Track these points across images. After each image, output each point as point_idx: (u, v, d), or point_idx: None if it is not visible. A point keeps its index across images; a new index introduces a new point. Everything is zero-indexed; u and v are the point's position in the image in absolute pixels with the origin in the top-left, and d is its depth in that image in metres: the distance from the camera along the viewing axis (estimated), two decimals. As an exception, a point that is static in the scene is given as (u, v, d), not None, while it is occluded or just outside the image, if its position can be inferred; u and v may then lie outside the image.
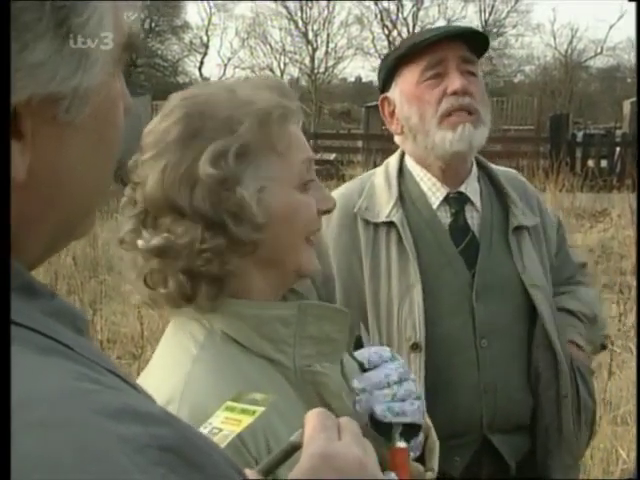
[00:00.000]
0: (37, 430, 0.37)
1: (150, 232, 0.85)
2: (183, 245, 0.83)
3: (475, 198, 1.43)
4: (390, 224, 1.39)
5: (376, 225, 1.39)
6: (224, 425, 0.68)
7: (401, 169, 1.46)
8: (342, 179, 9.52)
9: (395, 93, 1.43)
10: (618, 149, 11.86)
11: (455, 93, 1.35)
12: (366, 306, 1.38)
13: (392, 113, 1.44)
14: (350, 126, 28.78)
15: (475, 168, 1.48)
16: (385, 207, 1.40)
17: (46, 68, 0.43)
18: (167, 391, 0.81)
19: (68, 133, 0.46)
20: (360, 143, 13.56)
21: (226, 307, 0.86)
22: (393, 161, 1.48)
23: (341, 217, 1.41)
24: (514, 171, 1.59)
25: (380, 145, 12.00)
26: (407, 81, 1.40)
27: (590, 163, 11.50)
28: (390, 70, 1.43)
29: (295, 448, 0.63)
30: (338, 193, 1.46)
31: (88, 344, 0.49)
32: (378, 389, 0.87)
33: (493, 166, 1.54)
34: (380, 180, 1.46)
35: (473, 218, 1.42)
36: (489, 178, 1.48)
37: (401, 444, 0.82)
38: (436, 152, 1.39)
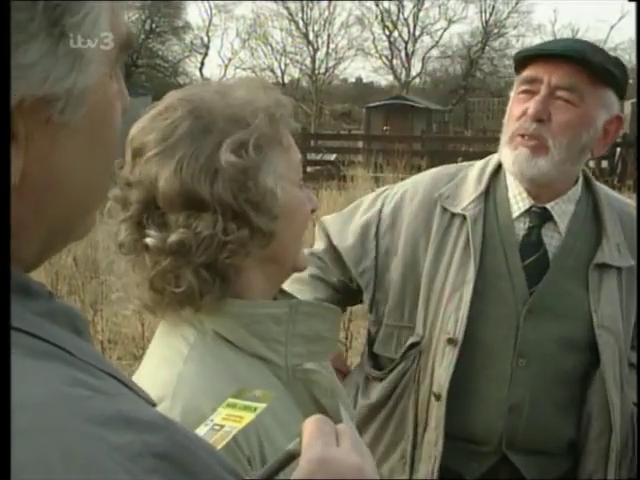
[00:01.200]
0: (25, 437, 0.37)
1: (158, 230, 0.83)
2: (203, 239, 0.81)
3: (561, 220, 1.38)
4: (464, 217, 1.37)
5: (452, 215, 1.38)
6: (225, 422, 0.67)
7: (498, 169, 1.42)
8: (343, 179, 9.51)
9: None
10: (619, 149, 11.85)
11: (531, 116, 1.31)
12: (420, 287, 1.38)
13: None
14: (351, 127, 28.79)
15: (579, 190, 1.41)
16: (466, 200, 1.39)
17: (38, 69, 0.42)
18: (159, 390, 0.81)
19: (63, 134, 0.46)
20: (361, 144, 13.56)
21: (218, 306, 0.86)
22: (495, 158, 1.44)
23: (423, 198, 1.42)
24: (632, 204, 1.47)
25: (381, 146, 12.01)
26: (514, 87, 1.39)
27: (591, 164, 11.47)
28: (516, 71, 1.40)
29: (293, 456, 0.62)
30: (429, 174, 1.46)
31: (87, 346, 0.49)
32: None
33: (610, 195, 1.45)
34: (474, 173, 1.43)
35: (552, 238, 1.37)
36: (594, 204, 1.41)
37: None
38: (507, 168, 1.39)
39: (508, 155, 1.35)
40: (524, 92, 1.34)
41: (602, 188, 1.46)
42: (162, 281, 0.84)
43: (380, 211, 1.45)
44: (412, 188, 1.45)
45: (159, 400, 0.78)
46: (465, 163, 1.50)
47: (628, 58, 39.01)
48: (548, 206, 1.38)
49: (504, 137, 1.37)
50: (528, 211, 1.38)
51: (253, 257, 0.86)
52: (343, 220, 1.50)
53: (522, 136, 1.33)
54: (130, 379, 0.50)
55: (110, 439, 0.39)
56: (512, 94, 1.39)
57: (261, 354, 0.86)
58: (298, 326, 0.87)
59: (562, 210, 1.39)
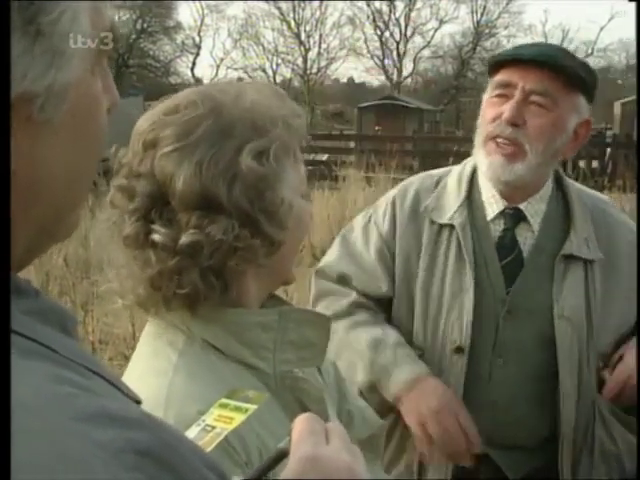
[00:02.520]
0: (12, 436, 0.37)
1: (165, 227, 0.80)
2: (215, 242, 0.79)
3: (534, 219, 1.40)
4: (452, 226, 1.39)
5: (440, 226, 1.40)
6: (217, 423, 0.67)
7: (474, 173, 1.44)
8: (335, 180, 9.52)
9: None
10: (609, 150, 11.92)
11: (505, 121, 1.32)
12: (415, 301, 1.38)
13: None
14: (343, 127, 28.80)
15: (550, 188, 1.44)
16: (450, 209, 1.41)
17: (16, 68, 0.42)
18: (149, 400, 0.79)
19: (45, 132, 0.46)
20: (353, 144, 13.57)
21: (207, 313, 0.84)
22: (470, 162, 1.46)
23: (410, 214, 1.43)
24: (606, 200, 1.50)
25: (373, 146, 12.02)
26: (487, 89, 1.39)
27: (581, 164, 11.55)
28: (490, 73, 1.40)
29: (283, 454, 0.62)
30: (414, 189, 1.46)
31: (75, 344, 0.49)
32: None
33: (583, 191, 1.47)
34: (453, 180, 1.45)
35: (526, 238, 1.40)
36: (565, 201, 1.43)
37: None
38: (480, 171, 1.40)
39: (483, 160, 1.37)
40: (498, 96, 1.35)
41: (574, 185, 1.48)
42: (163, 280, 0.81)
43: (380, 234, 1.44)
44: (399, 199, 1.45)
45: (150, 411, 0.77)
46: (442, 170, 1.52)
47: (617, 59, 39.31)
48: (521, 206, 1.41)
49: (478, 139, 1.38)
50: (502, 213, 1.40)
51: (254, 269, 0.85)
52: (352, 264, 1.46)
53: (496, 140, 1.34)
54: (117, 378, 0.50)
55: (94, 435, 0.39)
56: (485, 96, 1.40)
57: (249, 362, 0.85)
58: (288, 333, 0.86)
59: (535, 210, 1.41)
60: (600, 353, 1.38)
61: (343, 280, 1.45)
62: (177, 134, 0.80)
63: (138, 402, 0.50)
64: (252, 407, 0.69)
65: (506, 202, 1.40)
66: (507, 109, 1.32)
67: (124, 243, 0.83)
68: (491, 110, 1.35)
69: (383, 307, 1.42)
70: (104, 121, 0.51)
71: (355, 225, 1.51)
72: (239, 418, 0.68)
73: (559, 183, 1.46)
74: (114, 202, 0.84)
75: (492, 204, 1.40)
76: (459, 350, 1.34)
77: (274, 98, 0.86)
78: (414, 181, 1.49)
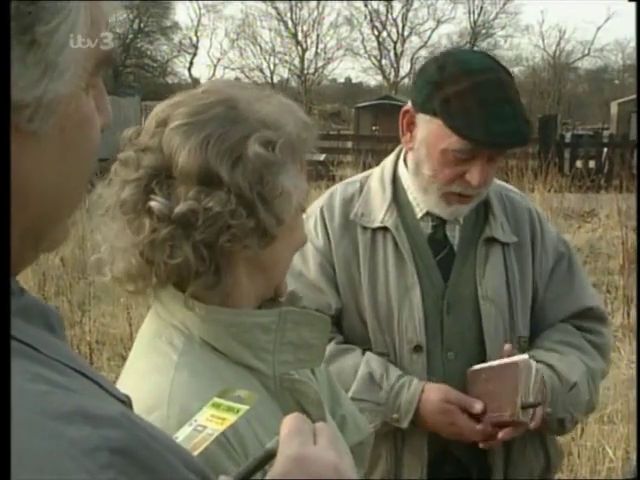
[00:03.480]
0: None
1: (163, 198, 0.81)
2: (210, 215, 0.80)
3: None
4: (385, 229, 1.41)
5: (373, 230, 1.41)
6: (208, 423, 0.67)
7: (395, 173, 1.46)
8: (332, 180, 9.52)
9: (424, 126, 1.35)
10: (606, 150, 11.95)
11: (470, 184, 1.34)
12: (365, 309, 1.39)
13: (410, 126, 1.38)
14: (340, 127, 28.81)
15: None
16: (379, 212, 1.42)
17: None
18: (151, 398, 0.80)
19: (32, 143, 0.45)
20: (350, 144, 13.57)
21: (205, 313, 0.85)
22: (388, 165, 1.47)
23: (342, 223, 1.43)
24: (507, 186, 1.55)
25: (370, 146, 12.01)
26: (439, 135, 1.32)
27: (578, 164, 11.57)
28: (432, 109, 1.33)
29: (271, 455, 0.62)
30: (339, 199, 1.46)
31: (58, 343, 0.48)
32: None
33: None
34: (375, 184, 1.46)
35: (454, 231, 1.43)
36: None
37: None
38: (426, 205, 1.42)
39: (442, 206, 1.38)
40: (458, 155, 1.32)
41: None
42: (156, 249, 0.81)
43: (316, 248, 1.43)
44: (327, 211, 1.45)
45: (152, 409, 0.78)
46: (362, 176, 1.52)
47: (614, 59, 39.38)
48: None
49: (434, 189, 1.36)
50: (429, 211, 1.42)
51: (246, 259, 0.86)
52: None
53: (457, 194, 1.36)
54: (101, 377, 0.50)
55: (67, 433, 0.39)
56: (438, 140, 1.32)
57: (248, 363, 0.86)
58: (287, 334, 0.87)
59: None
60: (517, 336, 1.42)
61: (293, 299, 1.42)
62: (188, 112, 0.83)
63: (123, 401, 0.50)
64: (244, 408, 0.69)
65: None
66: (474, 176, 1.32)
67: (121, 209, 0.83)
68: (452, 168, 1.33)
69: (335, 321, 1.41)
70: (96, 139, 0.51)
71: None
72: (231, 419, 0.68)
73: None
74: (117, 173, 0.85)
75: (419, 203, 1.42)
76: (418, 348, 1.36)
77: (289, 108, 0.88)
78: (337, 190, 1.49)
